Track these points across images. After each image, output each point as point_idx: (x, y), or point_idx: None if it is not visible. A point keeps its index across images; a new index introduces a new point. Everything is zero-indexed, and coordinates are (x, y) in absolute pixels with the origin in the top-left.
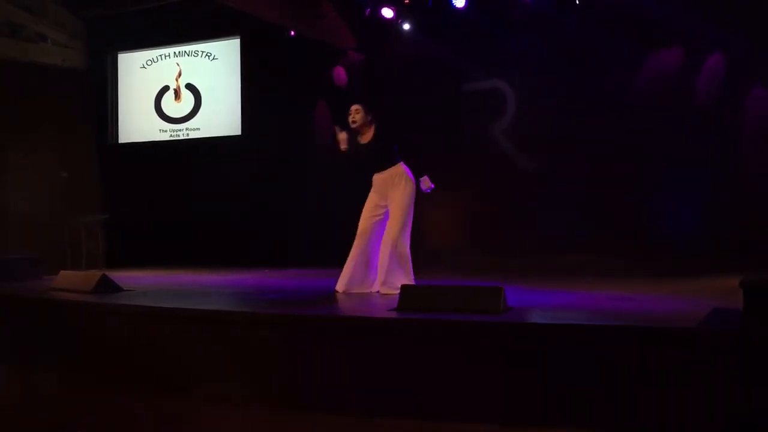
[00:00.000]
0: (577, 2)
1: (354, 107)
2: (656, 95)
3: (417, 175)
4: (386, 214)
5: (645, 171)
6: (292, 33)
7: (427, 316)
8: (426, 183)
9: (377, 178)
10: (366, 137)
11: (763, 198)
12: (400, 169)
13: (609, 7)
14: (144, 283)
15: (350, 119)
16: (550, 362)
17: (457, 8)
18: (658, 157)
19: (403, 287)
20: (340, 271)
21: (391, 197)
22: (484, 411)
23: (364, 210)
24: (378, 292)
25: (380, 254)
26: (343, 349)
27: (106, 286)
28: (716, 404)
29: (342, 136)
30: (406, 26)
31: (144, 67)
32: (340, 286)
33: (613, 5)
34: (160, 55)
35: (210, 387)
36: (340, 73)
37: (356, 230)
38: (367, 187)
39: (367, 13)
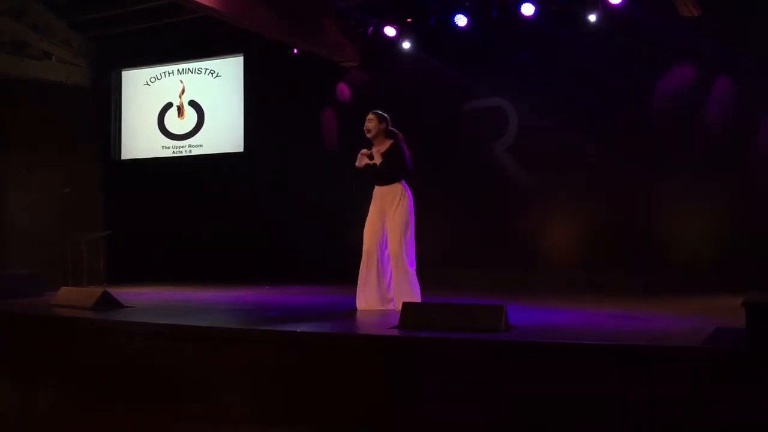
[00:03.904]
0: (592, 19)
1: (368, 116)
2: (658, 112)
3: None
4: (386, 231)
5: (648, 188)
6: (295, 51)
7: (428, 334)
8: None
9: (378, 191)
10: (380, 148)
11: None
12: (401, 186)
13: (612, 26)
14: (145, 300)
15: (365, 127)
16: (551, 381)
17: (459, 27)
18: (660, 175)
19: (405, 305)
20: (342, 287)
21: (389, 214)
22: (486, 429)
23: (366, 229)
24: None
25: (393, 273)
26: (344, 368)
27: (107, 302)
28: (719, 425)
29: (363, 153)
30: (406, 45)
31: (148, 84)
32: (360, 304)
33: (617, 24)
34: (164, 72)
35: (210, 404)
36: (343, 90)
37: (360, 247)
38: (369, 203)
39: (369, 31)
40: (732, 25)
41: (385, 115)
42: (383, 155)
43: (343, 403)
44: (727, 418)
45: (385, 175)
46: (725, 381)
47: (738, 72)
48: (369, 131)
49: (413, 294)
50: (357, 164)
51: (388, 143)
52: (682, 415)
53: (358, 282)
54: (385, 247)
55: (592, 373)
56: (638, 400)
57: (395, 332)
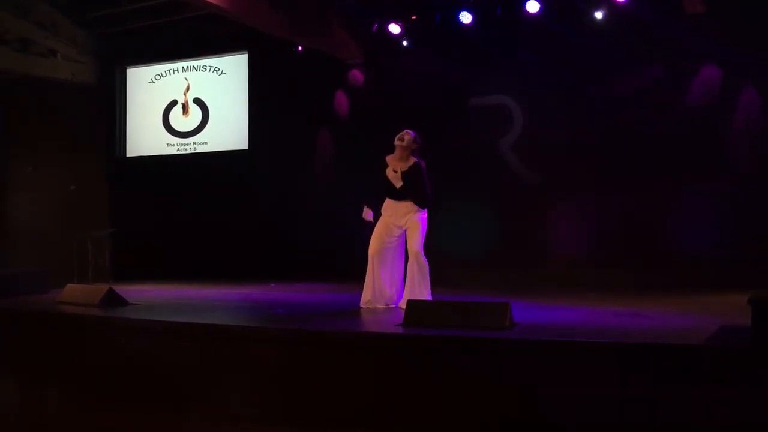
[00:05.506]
0: (598, 16)
1: (406, 130)
2: (662, 109)
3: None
4: (400, 237)
5: (653, 186)
6: (300, 48)
7: (433, 331)
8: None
9: (391, 204)
10: (402, 165)
11: None
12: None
13: (617, 23)
14: (150, 297)
15: (398, 136)
16: (554, 379)
17: (464, 24)
18: (665, 173)
19: (410, 303)
20: (346, 285)
21: (405, 220)
22: (488, 428)
23: (376, 232)
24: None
25: (408, 272)
26: (349, 365)
27: (113, 299)
28: (723, 422)
29: (368, 214)
30: (410, 42)
31: (152, 81)
32: (364, 302)
33: (623, 21)
34: (169, 70)
35: (211, 403)
36: (356, 76)
37: (366, 249)
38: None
39: (374, 28)
40: (737, 22)
41: (420, 139)
42: (403, 174)
43: (347, 401)
44: (727, 417)
45: (405, 190)
46: (726, 380)
47: (742, 69)
48: (402, 140)
49: (425, 292)
50: (364, 216)
51: (411, 161)
52: (682, 415)
53: (364, 283)
54: (393, 250)
55: (594, 370)
56: (639, 399)
57: (400, 330)
